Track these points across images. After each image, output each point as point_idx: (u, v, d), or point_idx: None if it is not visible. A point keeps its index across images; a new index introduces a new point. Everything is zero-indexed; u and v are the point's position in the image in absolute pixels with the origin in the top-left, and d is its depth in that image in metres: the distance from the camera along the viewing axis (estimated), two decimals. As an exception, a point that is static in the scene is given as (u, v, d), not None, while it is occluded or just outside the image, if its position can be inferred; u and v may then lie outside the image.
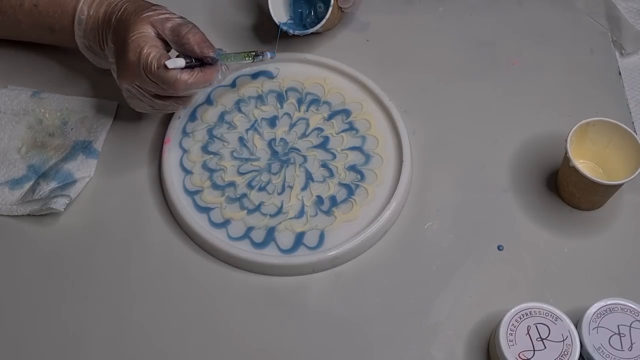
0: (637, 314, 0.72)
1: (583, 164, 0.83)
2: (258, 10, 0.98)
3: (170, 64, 0.76)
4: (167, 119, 0.89)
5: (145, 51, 0.76)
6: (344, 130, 0.88)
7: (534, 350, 0.70)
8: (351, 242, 0.80)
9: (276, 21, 0.90)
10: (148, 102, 0.80)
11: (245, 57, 0.84)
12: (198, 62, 0.78)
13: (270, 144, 0.87)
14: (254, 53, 0.84)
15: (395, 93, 0.90)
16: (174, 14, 0.80)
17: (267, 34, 0.87)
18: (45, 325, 0.77)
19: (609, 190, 0.80)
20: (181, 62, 0.76)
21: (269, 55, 0.86)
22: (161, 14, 0.79)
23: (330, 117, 0.89)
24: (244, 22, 0.98)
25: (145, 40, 0.77)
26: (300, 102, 0.90)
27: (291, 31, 0.90)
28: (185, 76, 0.77)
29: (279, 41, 0.90)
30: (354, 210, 0.82)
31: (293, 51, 0.93)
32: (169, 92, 0.78)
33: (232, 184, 0.84)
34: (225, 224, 0.82)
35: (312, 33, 0.91)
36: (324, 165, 0.86)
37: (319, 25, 0.89)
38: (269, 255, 0.79)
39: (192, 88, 0.78)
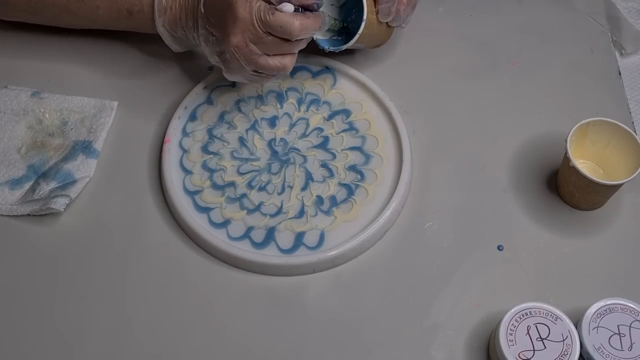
0: (637, 314, 0.72)
1: (583, 164, 0.83)
2: None
3: (282, 7, 0.77)
4: (167, 118, 0.89)
5: (255, 4, 0.77)
6: (344, 130, 0.88)
7: (534, 350, 0.70)
8: (351, 242, 0.80)
9: (313, 36, 0.86)
10: (254, 64, 0.80)
11: (336, 23, 0.86)
12: (302, 10, 0.79)
13: (270, 144, 0.87)
14: (343, 24, 0.87)
15: (395, 93, 0.90)
16: None
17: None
18: (44, 325, 0.77)
19: (609, 190, 0.80)
20: (290, 6, 0.78)
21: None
22: None
23: (330, 117, 0.89)
24: None
25: None
26: (300, 102, 0.90)
27: (326, 47, 0.87)
28: (300, 18, 0.78)
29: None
30: (354, 210, 0.82)
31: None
32: (280, 47, 0.79)
33: (232, 184, 0.84)
34: (225, 224, 0.82)
35: (356, 49, 0.88)
36: (324, 165, 0.86)
37: (351, 42, 0.85)
38: (269, 255, 0.79)
39: (306, 30, 0.79)
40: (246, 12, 0.77)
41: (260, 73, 0.81)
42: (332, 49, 0.87)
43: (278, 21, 0.77)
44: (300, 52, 0.84)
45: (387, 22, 0.87)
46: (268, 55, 0.79)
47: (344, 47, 0.87)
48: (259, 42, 0.78)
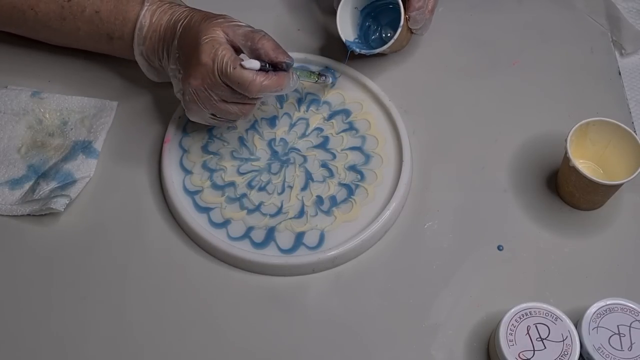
0: (637, 314, 0.72)
1: (583, 164, 0.83)
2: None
3: (246, 64, 0.76)
4: (167, 118, 0.89)
5: (220, 53, 0.76)
6: (344, 130, 0.88)
7: (534, 350, 0.70)
8: (351, 242, 0.80)
9: (343, 39, 0.88)
10: (212, 107, 0.80)
11: (309, 75, 0.86)
12: (271, 67, 0.78)
13: (270, 144, 0.87)
14: (318, 73, 0.87)
15: (395, 93, 0.90)
16: (243, 22, 0.80)
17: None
18: (44, 325, 0.77)
19: (609, 190, 0.80)
20: (256, 63, 0.76)
21: (330, 80, 0.89)
22: (231, 22, 0.79)
23: (330, 117, 0.89)
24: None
25: (220, 43, 0.77)
26: (300, 102, 0.90)
27: (357, 50, 0.88)
28: (261, 77, 0.77)
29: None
30: (354, 210, 0.82)
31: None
32: (238, 97, 0.78)
33: (232, 184, 0.84)
34: (225, 224, 0.82)
35: (378, 53, 0.89)
36: (324, 165, 0.86)
37: (386, 46, 0.86)
38: (269, 255, 0.79)
39: (265, 90, 0.77)
40: (209, 59, 0.77)
41: (220, 118, 0.81)
42: (364, 51, 0.88)
43: (237, 77, 0.76)
44: (301, 52, 0.84)
45: (411, 29, 0.89)
46: (226, 102, 0.79)
47: (377, 50, 0.87)
48: (217, 89, 0.78)
